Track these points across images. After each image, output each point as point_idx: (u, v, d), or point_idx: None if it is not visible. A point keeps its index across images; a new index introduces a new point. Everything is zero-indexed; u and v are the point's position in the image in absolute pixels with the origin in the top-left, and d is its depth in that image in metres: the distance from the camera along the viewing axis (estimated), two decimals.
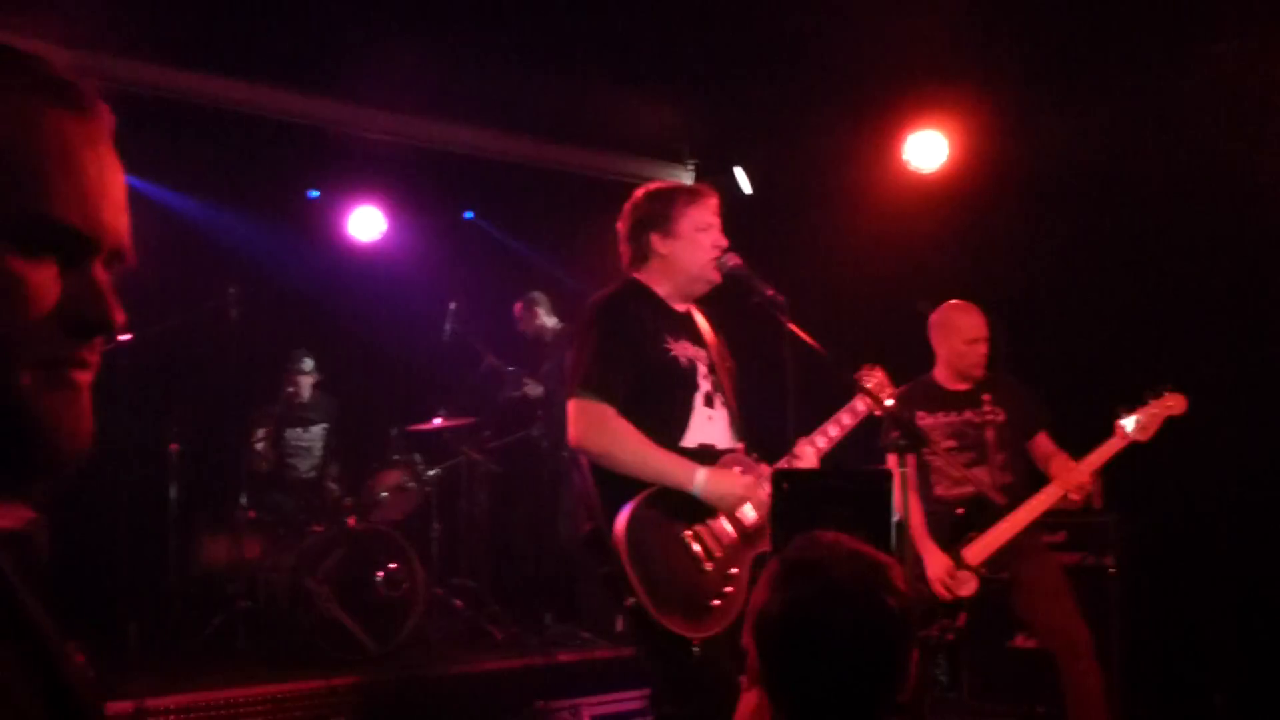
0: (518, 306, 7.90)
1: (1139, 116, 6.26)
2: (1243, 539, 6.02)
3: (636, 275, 3.75)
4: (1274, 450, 5.94)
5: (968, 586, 4.87)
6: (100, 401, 1.01)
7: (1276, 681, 5.81)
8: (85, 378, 0.98)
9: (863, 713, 1.70)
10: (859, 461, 5.03)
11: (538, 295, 7.92)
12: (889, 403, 3.85)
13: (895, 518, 2.78)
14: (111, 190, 0.99)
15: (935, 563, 4.89)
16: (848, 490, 2.91)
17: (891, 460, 5.00)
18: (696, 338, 3.73)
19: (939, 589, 4.86)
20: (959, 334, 5.22)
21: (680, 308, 3.75)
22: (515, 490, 7.86)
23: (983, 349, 5.21)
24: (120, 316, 0.97)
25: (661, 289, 3.72)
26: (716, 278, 3.72)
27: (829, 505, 2.73)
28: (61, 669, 0.96)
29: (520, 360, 7.82)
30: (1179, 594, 6.14)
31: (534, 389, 7.61)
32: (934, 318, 5.38)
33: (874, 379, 3.94)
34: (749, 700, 1.83)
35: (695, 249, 3.68)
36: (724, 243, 3.71)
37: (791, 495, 2.81)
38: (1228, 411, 5.89)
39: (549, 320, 7.85)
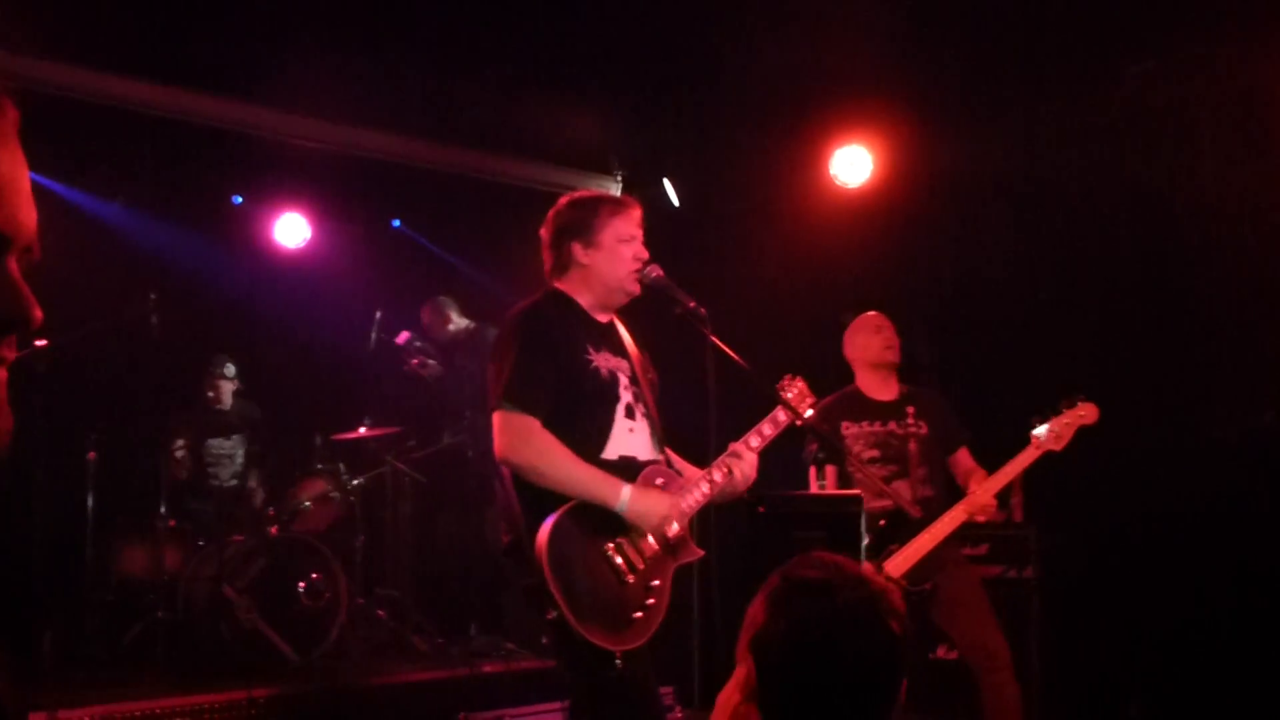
0: (425, 310, 7.85)
1: (1060, 132, 6.38)
2: (1159, 552, 6.14)
3: (558, 284, 3.75)
4: (1189, 463, 6.07)
5: None
6: (16, 408, 0.99)
7: (1190, 693, 5.92)
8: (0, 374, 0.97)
9: None
10: (781, 473, 5.09)
11: (445, 298, 7.89)
12: (808, 414, 3.89)
13: (865, 541, 2.81)
14: (21, 185, 0.97)
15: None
16: (820, 513, 2.95)
17: (812, 474, 5.07)
18: (618, 348, 3.73)
19: None
20: (862, 329, 5.32)
21: (602, 318, 3.75)
22: (440, 500, 7.82)
23: (892, 339, 5.31)
24: (37, 311, 0.96)
25: (582, 299, 3.71)
26: (636, 290, 3.72)
27: (802, 527, 2.77)
28: None
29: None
30: (1097, 607, 6.25)
31: (433, 370, 7.56)
32: (845, 332, 5.49)
33: (794, 390, 3.98)
34: (724, 708, 1.83)
35: (616, 260, 3.67)
36: (645, 255, 3.71)
37: (767, 517, 2.83)
38: (1145, 424, 6.02)
39: (460, 322, 7.83)
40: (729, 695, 1.81)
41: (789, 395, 3.91)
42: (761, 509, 2.79)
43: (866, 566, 4.84)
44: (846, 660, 1.70)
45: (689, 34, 6.36)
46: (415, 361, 7.60)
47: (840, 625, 1.70)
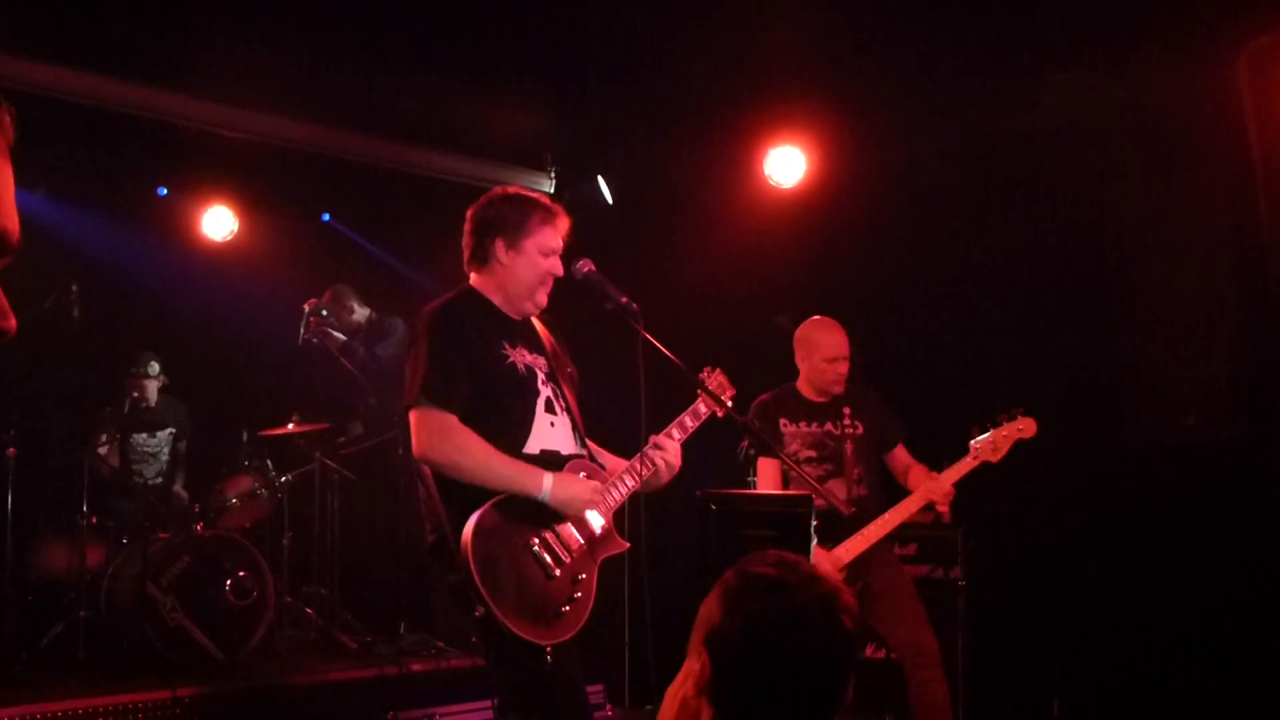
0: (326, 297, 7.76)
1: (993, 135, 6.45)
2: (1083, 554, 6.24)
3: (474, 278, 3.73)
4: (1114, 466, 6.17)
5: None
6: None
7: (1112, 693, 6.02)
8: None
9: None
10: (716, 467, 5.10)
11: (344, 287, 7.84)
12: (729, 404, 3.90)
13: (814, 541, 2.83)
14: (10, 195, 0.97)
15: (817, 559, 4.96)
16: (769, 512, 2.96)
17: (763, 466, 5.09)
18: (534, 344, 3.72)
19: (830, 574, 4.94)
20: (819, 351, 5.30)
21: (516, 315, 3.74)
22: (369, 498, 7.75)
23: (843, 368, 5.29)
24: (12, 321, 0.94)
25: (495, 297, 3.70)
26: (543, 303, 3.73)
27: (752, 526, 2.78)
28: None
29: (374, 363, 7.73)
30: (1022, 607, 6.33)
31: (334, 342, 7.50)
32: (798, 333, 5.45)
33: (714, 380, 3.99)
34: (672, 700, 1.84)
35: (532, 270, 3.67)
36: (559, 273, 3.71)
37: (719, 516, 2.83)
38: (1073, 427, 6.10)
39: (361, 311, 7.79)
40: (678, 688, 1.83)
41: (710, 385, 3.92)
42: (714, 507, 2.79)
43: (816, 551, 4.89)
44: (800, 657, 1.72)
45: (624, 31, 6.35)
46: (317, 327, 7.46)
47: (795, 622, 1.73)
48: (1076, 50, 6.06)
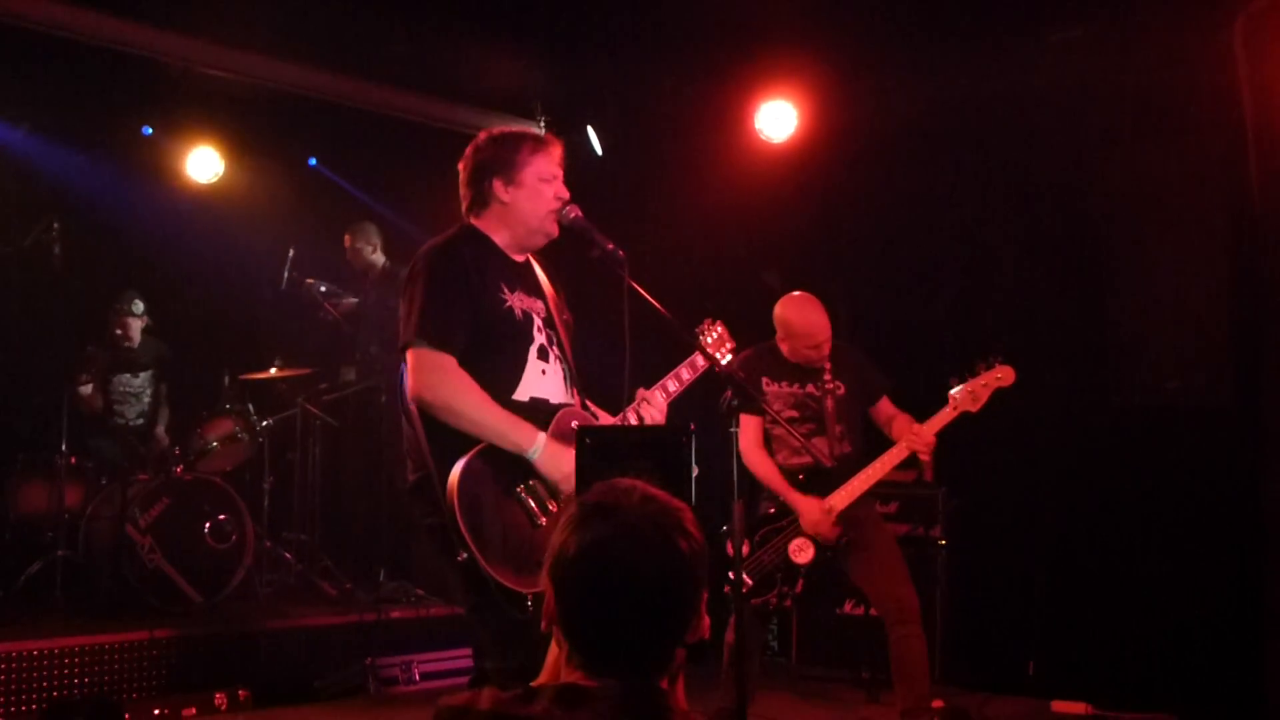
0: (349, 234, 7.81)
1: (983, 94, 6.41)
2: (1064, 514, 6.27)
3: (474, 222, 3.68)
4: (1096, 427, 6.19)
5: (805, 554, 4.98)
6: None
7: (1086, 651, 6.07)
8: None
9: (648, 651, 1.75)
10: (702, 420, 5.08)
11: (372, 225, 7.82)
12: (727, 360, 3.88)
13: (695, 473, 2.79)
14: None
15: (809, 507, 4.96)
16: (647, 444, 2.92)
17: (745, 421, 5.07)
18: (533, 289, 3.67)
19: (824, 530, 4.94)
20: (799, 339, 5.23)
21: (518, 257, 3.68)
22: (351, 444, 7.74)
23: (825, 349, 5.24)
24: None
25: (499, 237, 3.64)
26: (555, 231, 3.67)
27: (630, 459, 2.74)
28: None
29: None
30: (1001, 566, 6.37)
31: (345, 307, 7.51)
32: (778, 311, 5.34)
33: (714, 335, 3.95)
34: (554, 646, 1.85)
35: (537, 199, 3.61)
36: (565, 195, 3.65)
37: (593, 449, 2.80)
38: (1056, 387, 6.12)
39: (379, 256, 7.77)
40: None
41: (708, 340, 3.89)
42: (588, 441, 2.76)
43: (808, 499, 4.90)
44: (632, 575, 1.72)
45: None
46: (328, 305, 7.52)
47: (623, 542, 1.73)
48: (1073, 12, 6.03)
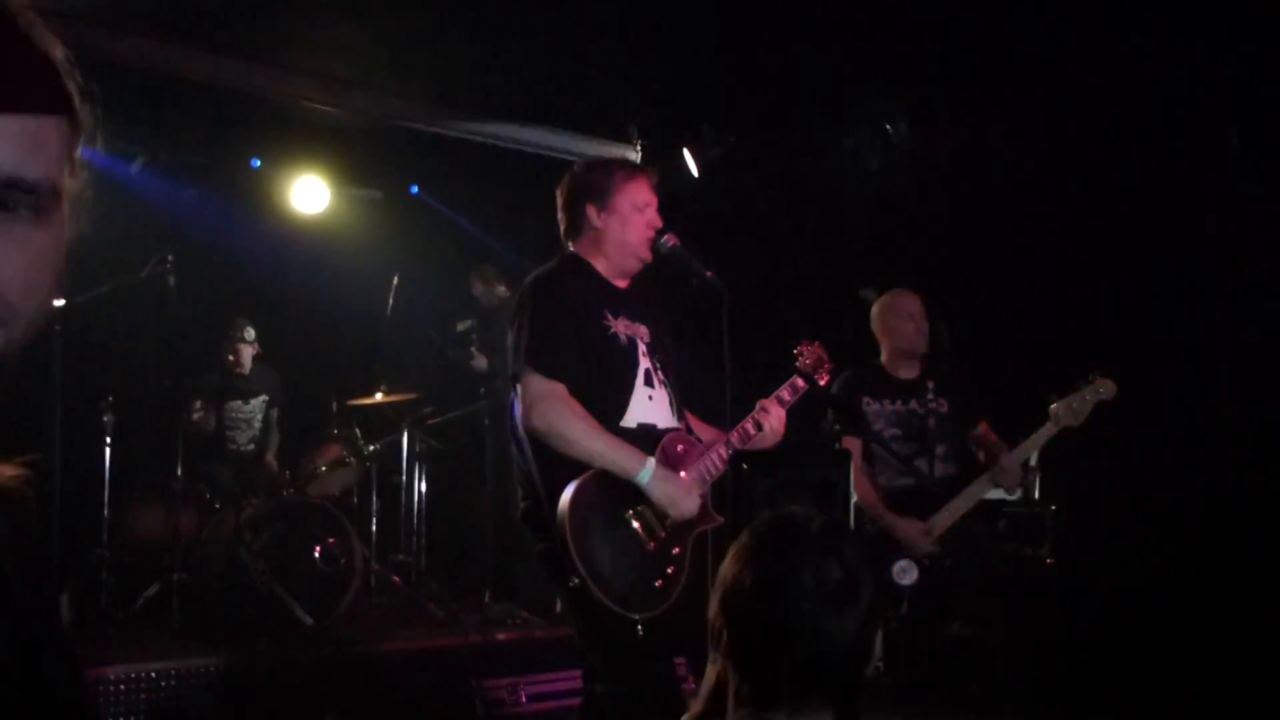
0: (474, 280, 7.93)
1: (1083, 104, 6.32)
2: (1175, 532, 6.12)
3: (573, 249, 3.74)
4: (1206, 443, 6.04)
5: (910, 576, 4.93)
6: (34, 370, 0.99)
7: (1207, 673, 5.90)
8: None
9: (828, 687, 1.70)
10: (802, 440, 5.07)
11: (488, 266, 7.92)
12: (823, 380, 3.89)
13: (854, 499, 2.79)
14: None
15: (907, 527, 4.93)
16: (808, 472, 2.92)
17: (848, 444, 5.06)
18: (636, 314, 3.71)
19: (923, 550, 4.90)
20: (896, 312, 5.26)
21: (620, 283, 3.73)
22: (456, 467, 7.83)
23: (923, 325, 5.25)
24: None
25: (598, 264, 3.69)
26: (648, 256, 3.71)
27: (790, 486, 2.74)
28: (44, 642, 0.95)
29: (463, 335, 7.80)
30: (1112, 586, 6.23)
31: (480, 362, 7.60)
32: (875, 307, 5.41)
33: (812, 354, 3.97)
34: (710, 673, 1.83)
35: (630, 226, 3.66)
36: (659, 223, 3.70)
37: (751, 476, 2.81)
38: (1164, 403, 5.98)
39: (503, 290, 7.86)
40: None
41: (807, 361, 3.90)
42: (745, 466, 2.76)
43: (908, 522, 4.86)
44: (812, 611, 1.67)
45: (711, 10, 6.32)
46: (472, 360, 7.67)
47: (804, 575, 1.68)
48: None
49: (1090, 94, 6.27)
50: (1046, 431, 4.95)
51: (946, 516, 4.95)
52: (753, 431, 3.63)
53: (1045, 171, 6.60)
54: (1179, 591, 6.07)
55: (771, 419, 3.67)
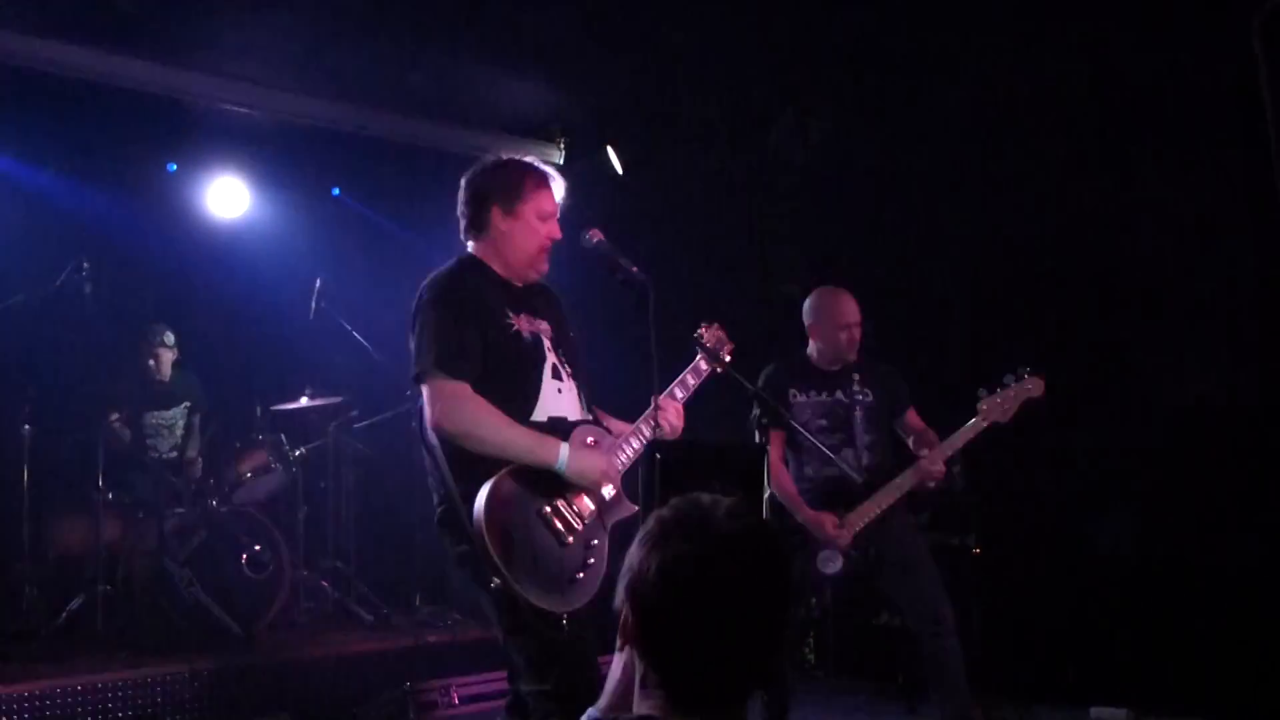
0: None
1: (1004, 99, 6.41)
2: (1098, 519, 6.23)
3: (472, 248, 3.72)
4: (1128, 431, 6.16)
5: (834, 565, 4.95)
6: None
7: (1127, 659, 6.02)
8: None
9: (739, 674, 1.69)
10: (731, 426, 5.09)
11: None
12: (727, 359, 3.90)
13: (767, 492, 2.80)
14: None
15: (823, 521, 4.94)
16: (721, 462, 2.92)
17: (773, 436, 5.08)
18: (537, 310, 3.70)
19: (841, 545, 4.91)
20: (832, 319, 5.24)
21: (519, 282, 3.72)
22: (383, 470, 7.77)
23: (856, 334, 5.25)
24: None
25: (496, 267, 3.68)
26: (544, 268, 3.71)
27: (702, 477, 2.73)
28: None
29: (388, 337, 7.73)
30: (1036, 573, 6.33)
31: None
32: (809, 301, 5.40)
33: (712, 337, 3.98)
34: (618, 663, 1.82)
35: (530, 235, 3.65)
36: (558, 235, 3.69)
37: (664, 465, 2.81)
38: (1087, 392, 6.09)
39: None
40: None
41: (708, 342, 3.91)
42: (658, 456, 2.76)
43: (827, 516, 4.89)
44: (715, 597, 1.65)
45: (629, 6, 6.33)
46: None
47: (707, 562, 1.66)
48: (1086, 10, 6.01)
49: (1018, 84, 6.35)
50: (974, 426, 4.99)
51: (868, 508, 4.98)
52: (648, 435, 3.62)
53: (980, 165, 6.67)
54: (1103, 578, 6.19)
55: (669, 415, 3.67)
